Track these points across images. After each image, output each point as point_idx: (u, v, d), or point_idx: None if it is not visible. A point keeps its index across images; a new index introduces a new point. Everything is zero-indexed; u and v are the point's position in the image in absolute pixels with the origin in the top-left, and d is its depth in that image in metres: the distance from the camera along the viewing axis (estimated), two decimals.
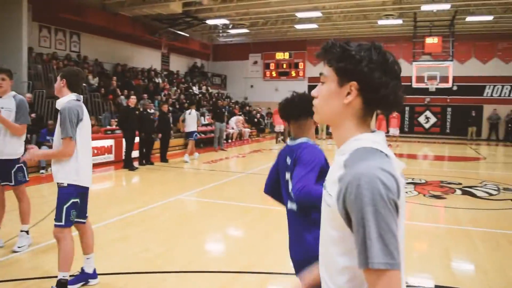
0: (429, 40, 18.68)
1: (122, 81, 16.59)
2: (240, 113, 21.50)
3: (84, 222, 3.67)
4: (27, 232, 4.71)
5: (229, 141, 17.87)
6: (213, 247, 5.22)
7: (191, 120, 12.61)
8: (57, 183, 3.42)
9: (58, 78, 3.57)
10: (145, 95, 15.38)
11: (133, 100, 10.94)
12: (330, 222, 1.15)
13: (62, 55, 15.91)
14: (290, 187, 2.25)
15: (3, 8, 13.58)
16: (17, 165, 4.48)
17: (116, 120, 12.24)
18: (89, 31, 17.39)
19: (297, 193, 2.10)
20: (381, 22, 19.89)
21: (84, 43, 17.62)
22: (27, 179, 4.69)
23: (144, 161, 11.30)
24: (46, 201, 7.29)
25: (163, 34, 20.26)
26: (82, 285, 3.69)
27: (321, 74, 1.23)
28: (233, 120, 19.02)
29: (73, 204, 3.38)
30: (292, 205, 2.29)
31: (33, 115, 10.93)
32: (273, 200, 2.55)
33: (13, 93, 4.55)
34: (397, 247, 1.01)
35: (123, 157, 11.03)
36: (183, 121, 12.78)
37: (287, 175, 2.33)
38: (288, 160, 2.32)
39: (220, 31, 23.63)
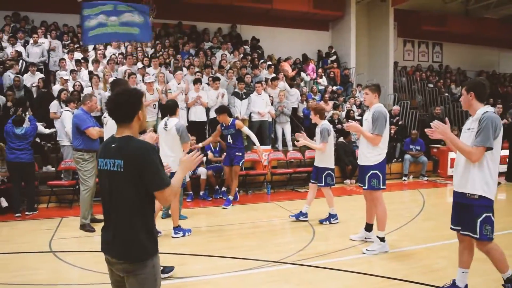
0: None
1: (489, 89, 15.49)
2: None
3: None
4: (382, 239, 4.87)
5: None
6: None
7: None
8: (468, 193, 3.40)
9: (464, 92, 3.54)
10: None
11: (498, 110, 10.16)
12: None
13: (424, 67, 16.59)
14: None
15: (375, 27, 15.44)
16: (371, 172, 4.80)
17: None
18: (451, 40, 17.43)
19: None
20: None
21: (446, 52, 17.78)
22: (382, 186, 4.86)
23: None
24: (406, 207, 7.75)
25: None
26: None
27: None
28: None
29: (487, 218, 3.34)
30: None
31: (400, 122, 11.83)
32: None
33: (376, 105, 4.86)
34: None
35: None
36: None
37: None
38: None
39: None
